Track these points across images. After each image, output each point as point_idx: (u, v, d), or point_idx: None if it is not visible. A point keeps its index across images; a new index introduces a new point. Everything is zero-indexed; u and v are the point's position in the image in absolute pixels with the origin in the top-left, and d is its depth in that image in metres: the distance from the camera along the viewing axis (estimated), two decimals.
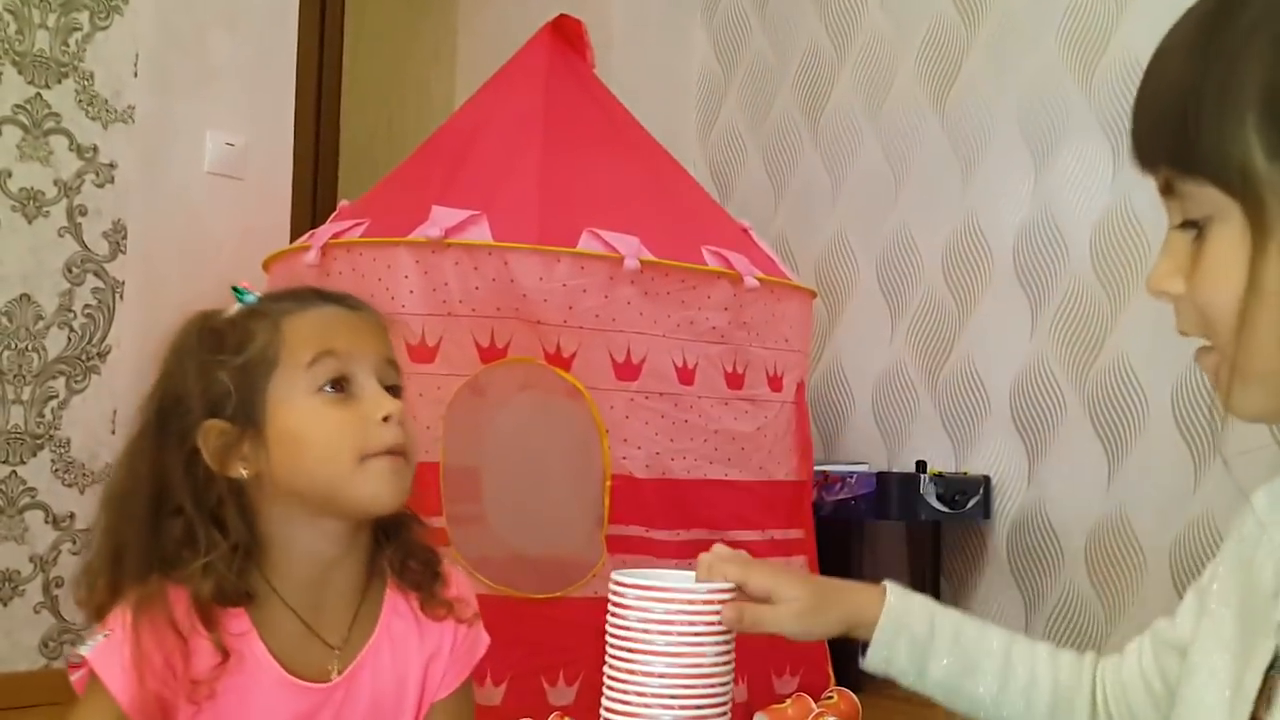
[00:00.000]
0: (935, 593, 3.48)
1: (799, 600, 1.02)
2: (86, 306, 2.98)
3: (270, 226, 3.28)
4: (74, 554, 2.89)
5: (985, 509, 3.42)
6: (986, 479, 3.43)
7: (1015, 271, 3.50)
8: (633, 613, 0.97)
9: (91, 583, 1.08)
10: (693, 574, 1.03)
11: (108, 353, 3.01)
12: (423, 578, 1.16)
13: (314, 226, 3.07)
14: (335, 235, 2.68)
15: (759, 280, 2.74)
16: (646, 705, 0.95)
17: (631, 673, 0.96)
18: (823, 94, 3.97)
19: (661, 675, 0.96)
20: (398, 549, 1.16)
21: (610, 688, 0.98)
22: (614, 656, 0.97)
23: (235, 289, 1.15)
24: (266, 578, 1.09)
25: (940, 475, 3.30)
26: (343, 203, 3.02)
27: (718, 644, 0.98)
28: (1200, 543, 3.12)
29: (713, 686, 0.97)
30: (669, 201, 2.91)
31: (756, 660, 2.60)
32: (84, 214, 2.98)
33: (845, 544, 3.21)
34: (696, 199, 3.08)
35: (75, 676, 1.07)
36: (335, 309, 1.13)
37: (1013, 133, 3.53)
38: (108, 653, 1.03)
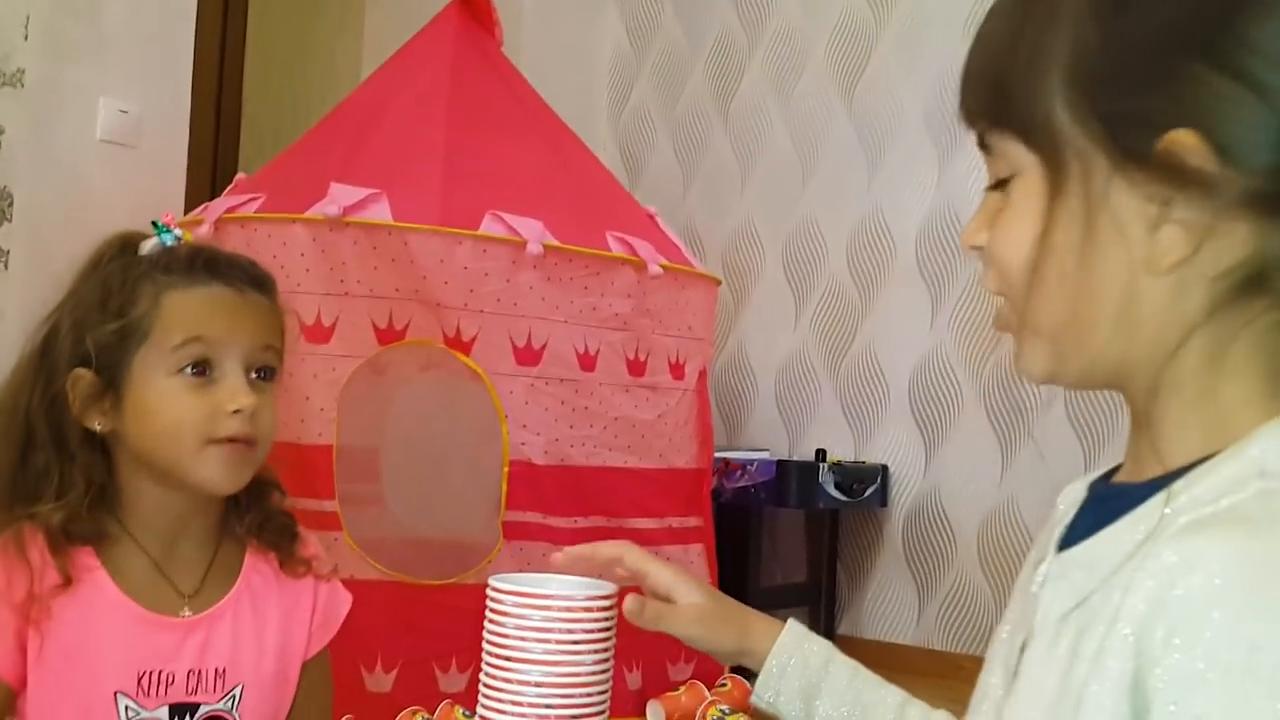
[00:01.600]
0: (831, 580, 3.52)
1: (700, 606, 1.00)
2: None
3: (164, 198, 3.18)
4: None
5: (882, 497, 3.46)
6: (884, 468, 3.47)
7: (917, 263, 3.54)
8: (510, 620, 0.95)
9: None
10: (573, 580, 1.02)
11: None
12: (280, 538, 1.21)
13: (211, 199, 2.99)
14: (230, 209, 2.61)
15: (663, 268, 2.74)
16: (522, 714, 0.94)
17: (508, 681, 0.94)
18: (734, 80, 3.97)
19: (538, 684, 0.94)
20: (256, 513, 1.20)
21: (486, 696, 0.96)
22: (490, 664, 0.96)
23: (155, 223, 1.17)
24: (121, 521, 1.14)
25: (839, 464, 3.33)
26: (240, 175, 2.94)
27: (596, 653, 0.97)
28: None
29: (590, 696, 0.96)
30: (575, 185, 2.88)
31: (650, 648, 2.61)
32: None
33: (744, 531, 3.23)
34: (603, 183, 3.06)
35: None
36: (222, 290, 1.14)
37: (918, 126, 3.56)
38: None
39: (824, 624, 3.51)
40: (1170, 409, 0.65)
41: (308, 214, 2.48)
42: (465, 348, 2.51)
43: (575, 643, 0.95)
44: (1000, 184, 0.71)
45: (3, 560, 1.08)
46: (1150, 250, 0.63)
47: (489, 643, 0.96)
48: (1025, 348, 0.71)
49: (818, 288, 3.72)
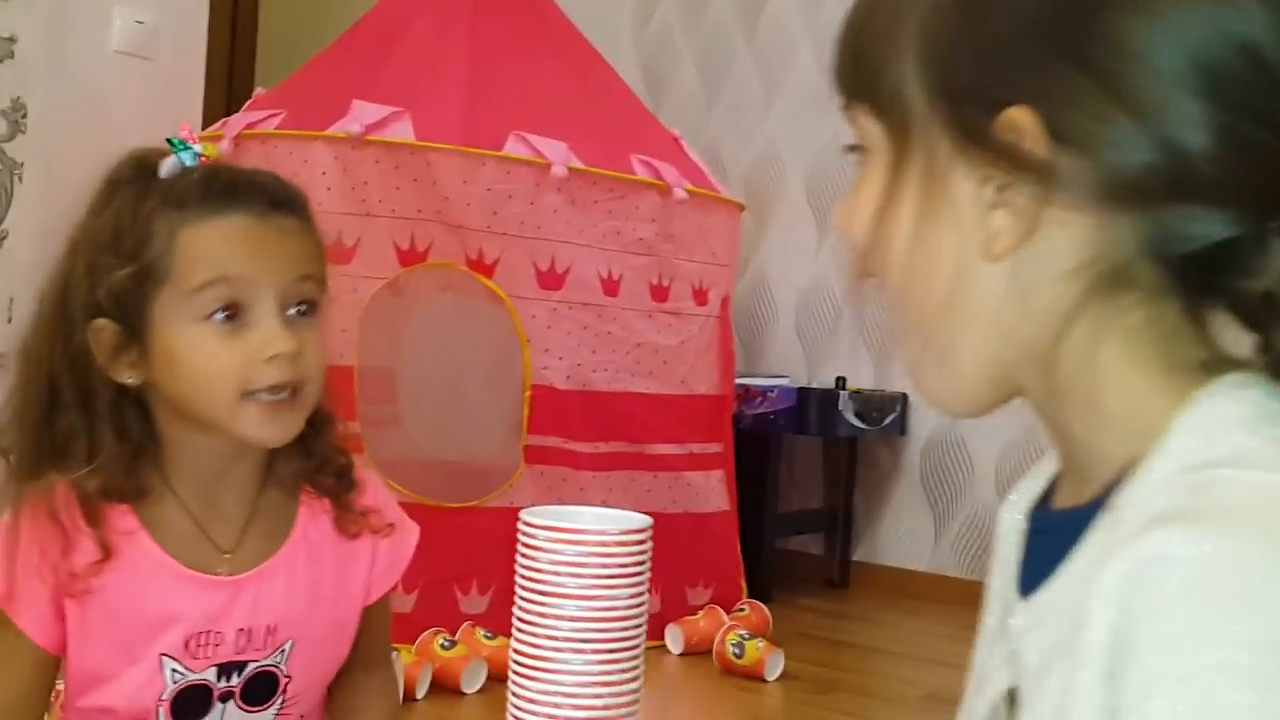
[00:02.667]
0: (848, 507, 3.52)
1: None
2: None
3: (181, 111, 3.13)
4: None
5: (901, 425, 3.45)
6: (904, 396, 3.45)
7: None
8: (544, 554, 0.94)
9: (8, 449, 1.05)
10: (606, 513, 1.01)
11: (4, 237, 2.87)
12: (336, 486, 1.11)
13: (228, 113, 2.94)
14: (249, 125, 2.57)
15: (688, 192, 2.69)
16: (558, 649, 0.93)
17: (542, 615, 0.93)
18: None
19: (574, 618, 0.93)
20: (309, 455, 1.09)
21: (520, 630, 0.95)
22: (524, 599, 0.95)
23: (171, 140, 1.04)
24: (162, 474, 1.05)
25: (859, 392, 3.31)
26: (258, 90, 2.89)
27: (631, 586, 0.96)
28: None
29: (626, 629, 0.95)
30: (599, 106, 2.83)
31: (669, 573, 2.61)
32: None
33: (763, 457, 3.21)
34: (627, 104, 3.00)
35: None
36: (244, 220, 1.01)
37: None
38: None
39: (840, 550, 3.51)
40: (1071, 419, 0.62)
41: (329, 131, 2.44)
42: (488, 271, 2.48)
43: (610, 576, 0.94)
44: (855, 149, 0.69)
45: (33, 527, 1.00)
46: (984, 235, 0.60)
47: (522, 577, 0.95)
48: (912, 359, 0.67)
49: None
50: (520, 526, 0.95)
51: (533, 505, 2.58)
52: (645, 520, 0.99)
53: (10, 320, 2.86)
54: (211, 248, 1.00)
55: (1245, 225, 0.57)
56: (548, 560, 0.93)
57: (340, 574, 1.11)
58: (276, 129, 2.53)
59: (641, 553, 0.97)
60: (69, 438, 1.02)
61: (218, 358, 0.99)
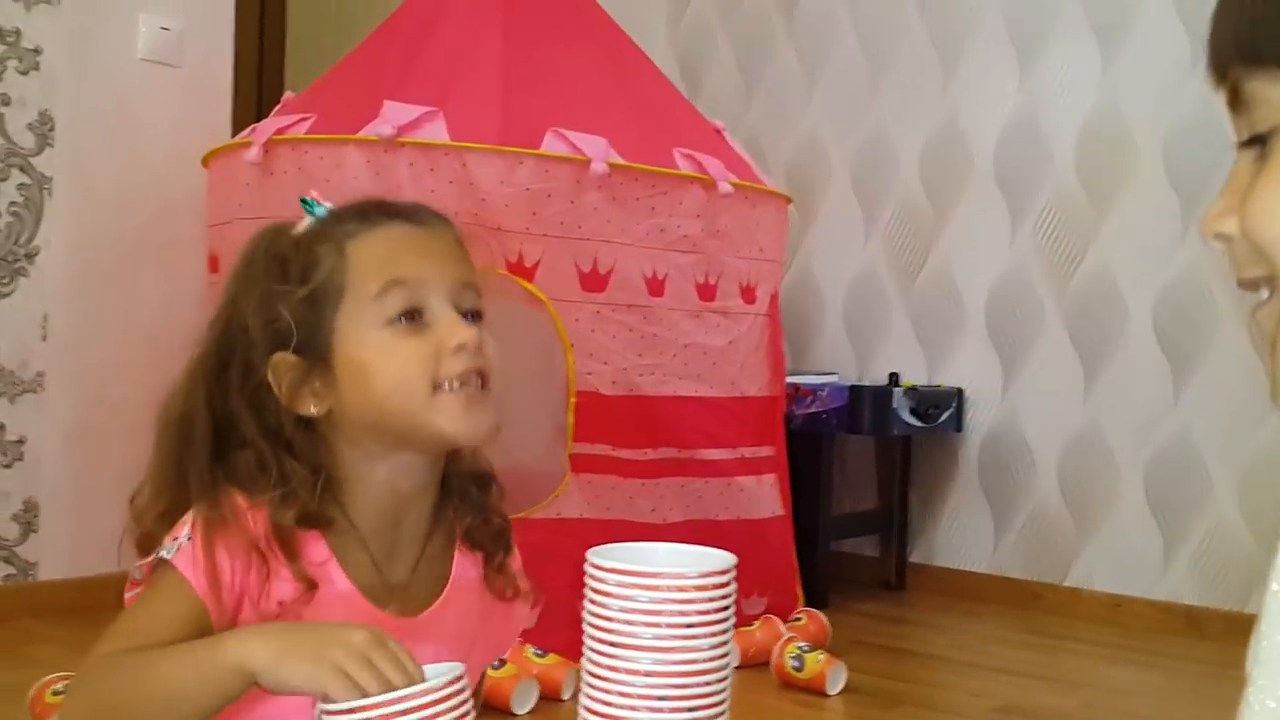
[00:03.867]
0: (904, 507, 3.41)
1: None
2: (12, 204, 2.77)
3: (209, 119, 3.07)
4: (5, 466, 2.73)
5: (957, 422, 3.33)
6: (960, 391, 3.33)
7: (996, 176, 3.36)
8: (614, 601, 0.84)
9: (144, 509, 1.03)
10: (684, 550, 0.91)
11: (36, 253, 2.81)
12: (493, 544, 1.12)
13: (257, 119, 2.87)
14: (279, 131, 2.49)
15: (733, 186, 2.59)
16: (632, 708, 0.83)
17: (614, 669, 0.84)
18: None
19: (649, 673, 0.83)
20: (471, 506, 1.11)
21: (591, 685, 0.85)
22: (594, 650, 0.85)
23: (304, 200, 1.07)
24: (342, 508, 1.04)
25: (913, 388, 3.20)
26: (288, 94, 2.81)
27: (713, 635, 0.86)
28: (1177, 461, 3.05)
29: (708, 684, 0.85)
30: (638, 99, 2.73)
31: None
32: (7, 104, 2.75)
33: (815, 458, 3.11)
34: (666, 96, 2.90)
35: (131, 594, 1.00)
36: (404, 228, 1.05)
37: (998, 30, 3.36)
38: (187, 553, 0.96)
39: (896, 552, 3.40)
40: None
41: (361, 134, 2.35)
42: (528, 274, 2.39)
43: (689, 625, 0.84)
44: (1255, 141, 0.57)
45: (224, 542, 0.96)
46: None
47: (591, 625, 0.86)
48: None
49: (889, 203, 3.55)
50: (587, 569, 0.86)
51: (580, 516, 2.52)
52: (728, 559, 0.89)
53: (45, 338, 2.80)
54: (382, 253, 1.02)
55: None
56: (618, 608, 0.83)
57: (482, 630, 1.11)
58: (307, 134, 2.45)
59: (725, 596, 0.87)
60: (257, 471, 1.00)
61: (408, 356, 1.00)
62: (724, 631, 0.87)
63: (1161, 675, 2.68)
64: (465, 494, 1.10)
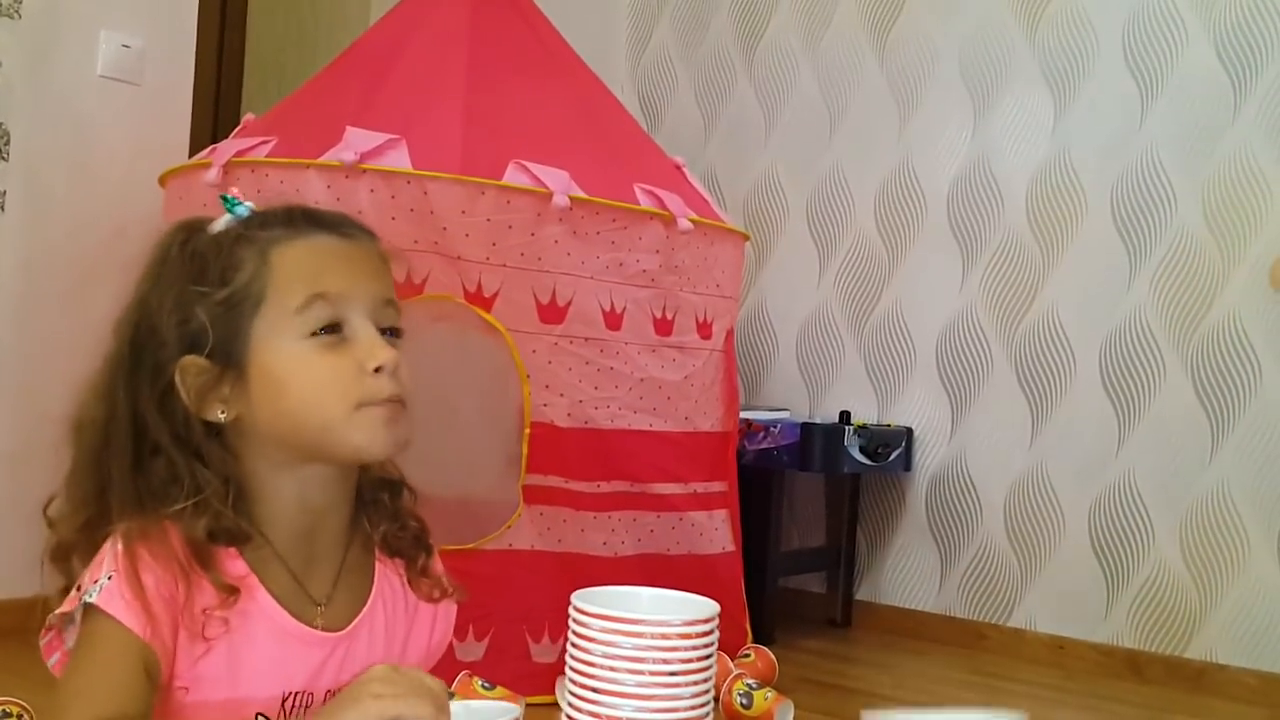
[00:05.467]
0: (851, 545, 3.43)
1: None
2: None
3: (168, 138, 3.04)
4: None
5: (906, 461, 3.37)
6: (909, 431, 3.37)
7: (948, 221, 3.41)
8: (597, 647, 0.84)
9: (61, 518, 1.01)
10: (667, 596, 0.91)
11: None
12: (413, 549, 1.10)
13: (215, 140, 2.86)
14: (240, 153, 2.48)
15: (692, 222, 2.61)
16: None
17: (596, 716, 0.84)
18: (760, 23, 3.82)
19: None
20: (388, 516, 1.09)
21: None
22: (576, 696, 0.85)
23: (224, 197, 1.04)
24: (256, 525, 1.01)
25: (864, 427, 3.23)
26: (248, 116, 2.80)
27: (696, 684, 0.86)
28: (1120, 505, 3.10)
29: None
30: (600, 132, 2.75)
31: None
32: None
33: (765, 493, 3.13)
34: (628, 130, 2.92)
35: (53, 660, 0.97)
36: (329, 239, 1.01)
37: (954, 78, 3.42)
38: (115, 593, 0.93)
39: (843, 589, 3.42)
40: None
41: (322, 159, 2.35)
42: (487, 304, 2.39)
43: (672, 673, 0.84)
44: None
45: (148, 566, 0.93)
46: None
47: (574, 670, 0.86)
48: None
49: (843, 243, 3.60)
50: (571, 613, 0.86)
51: (531, 548, 2.51)
52: (711, 607, 0.90)
53: None
54: (306, 264, 0.99)
55: None
56: (601, 654, 0.83)
57: (408, 637, 1.09)
58: (267, 156, 2.44)
59: (707, 645, 0.87)
60: (169, 480, 0.98)
61: (326, 372, 0.98)
62: (706, 679, 0.87)
63: (1102, 718, 2.72)
64: (378, 502, 1.08)
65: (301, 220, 1.02)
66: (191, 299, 0.98)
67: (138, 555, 0.94)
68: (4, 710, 1.93)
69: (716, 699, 2.41)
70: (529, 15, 2.87)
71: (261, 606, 0.98)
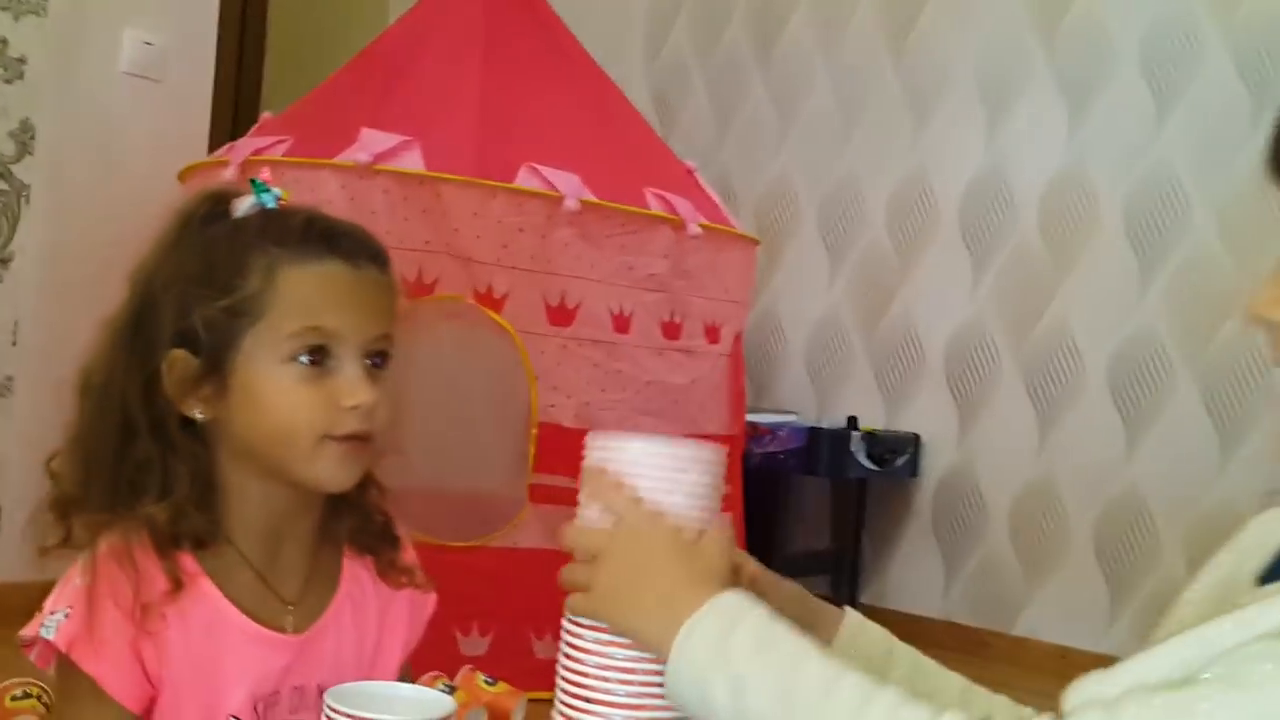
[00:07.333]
0: (856, 549, 3.45)
1: (759, 580, 0.95)
2: None
3: (188, 134, 3.09)
4: None
5: (913, 467, 3.38)
6: (916, 437, 3.39)
7: (960, 228, 3.43)
8: (590, 658, 0.85)
9: (62, 474, 1.03)
10: None
11: (10, 259, 2.82)
12: (380, 542, 1.11)
13: (234, 136, 2.90)
14: (256, 151, 2.52)
15: (702, 228, 2.64)
16: None
17: None
18: (776, 27, 3.83)
19: None
20: (354, 512, 1.10)
21: None
22: (567, 706, 0.86)
23: (254, 181, 1.04)
24: (221, 522, 1.02)
25: (871, 433, 3.24)
26: (265, 115, 2.84)
27: None
28: (1126, 515, 3.11)
29: None
30: (612, 136, 2.77)
31: None
32: None
33: (771, 497, 3.15)
34: (641, 134, 2.95)
35: (33, 655, 1.01)
36: (340, 268, 1.01)
37: (969, 85, 3.43)
38: (75, 634, 0.96)
39: (847, 593, 3.44)
40: None
41: (337, 159, 2.39)
42: (497, 305, 2.42)
43: (663, 685, 0.85)
44: None
45: (107, 566, 0.96)
46: None
47: (565, 681, 0.86)
48: None
49: (855, 248, 3.61)
50: (564, 624, 0.87)
51: (536, 546, 2.54)
52: None
53: (15, 343, 2.80)
54: (310, 294, 1.00)
55: None
56: (594, 664, 0.84)
57: (382, 631, 1.11)
58: (283, 156, 2.47)
59: None
60: (143, 469, 1.00)
61: (301, 401, 0.99)
62: None
63: None
64: (342, 498, 1.08)
65: (316, 239, 1.02)
66: (193, 298, 1.00)
67: (98, 577, 0.96)
68: (24, 691, 1.97)
69: None
70: (544, 17, 2.90)
71: (215, 608, 1.00)
